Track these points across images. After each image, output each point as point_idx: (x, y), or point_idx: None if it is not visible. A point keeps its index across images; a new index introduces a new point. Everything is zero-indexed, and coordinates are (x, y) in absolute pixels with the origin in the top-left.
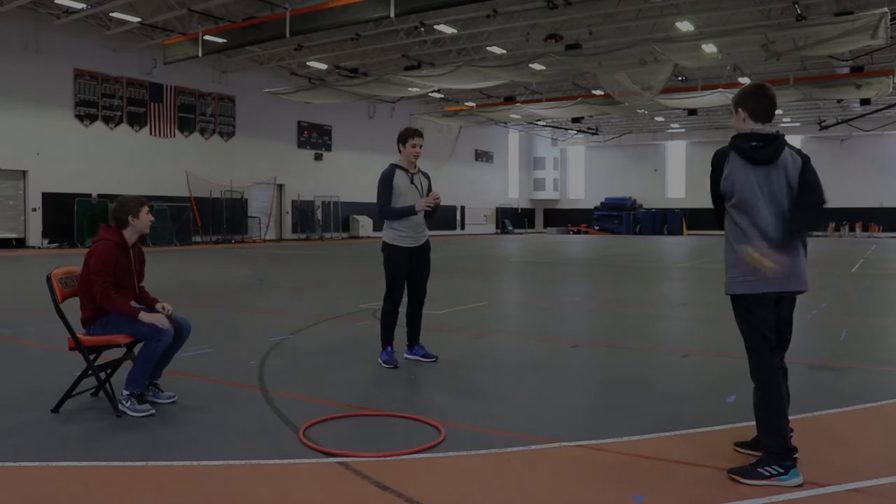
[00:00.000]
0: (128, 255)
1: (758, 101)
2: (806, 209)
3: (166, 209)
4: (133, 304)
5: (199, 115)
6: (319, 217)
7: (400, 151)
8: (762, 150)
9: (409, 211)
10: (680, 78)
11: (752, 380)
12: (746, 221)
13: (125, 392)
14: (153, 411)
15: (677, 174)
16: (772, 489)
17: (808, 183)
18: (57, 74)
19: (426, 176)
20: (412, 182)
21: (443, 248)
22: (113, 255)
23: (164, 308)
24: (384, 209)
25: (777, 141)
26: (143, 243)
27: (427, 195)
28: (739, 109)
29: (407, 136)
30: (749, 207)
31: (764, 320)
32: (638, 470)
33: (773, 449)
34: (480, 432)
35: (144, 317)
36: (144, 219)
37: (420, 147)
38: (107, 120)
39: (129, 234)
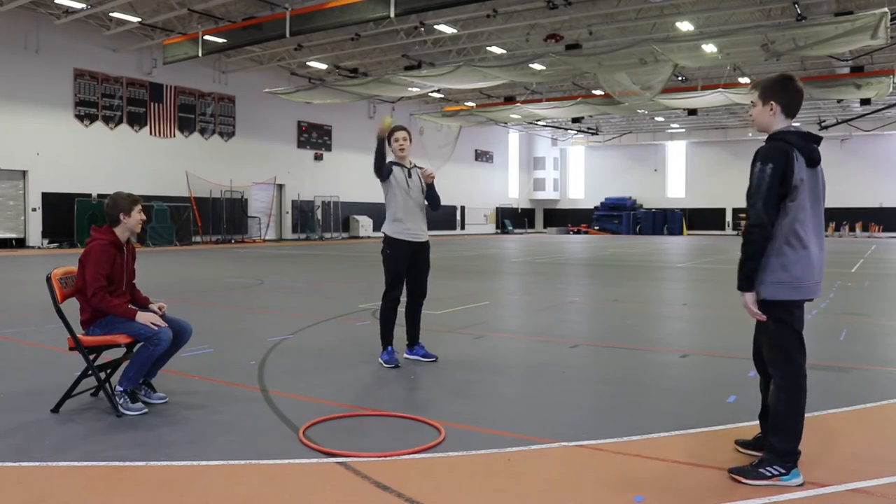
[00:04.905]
0: (122, 254)
1: (792, 97)
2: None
3: (166, 209)
4: (130, 305)
5: (199, 115)
6: (319, 217)
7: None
8: (817, 151)
9: (379, 155)
10: (680, 78)
11: (777, 384)
12: (808, 226)
13: (118, 388)
14: (146, 410)
15: (677, 174)
16: (773, 489)
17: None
18: (57, 74)
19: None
20: (410, 176)
21: (443, 248)
22: (109, 255)
23: (159, 308)
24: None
25: (820, 141)
26: (143, 243)
27: (424, 185)
28: (772, 103)
29: (389, 133)
30: (809, 212)
31: (800, 321)
32: (638, 470)
33: (780, 452)
34: (480, 432)
35: (141, 317)
36: (136, 217)
37: (404, 140)
38: (107, 120)
39: (121, 232)
